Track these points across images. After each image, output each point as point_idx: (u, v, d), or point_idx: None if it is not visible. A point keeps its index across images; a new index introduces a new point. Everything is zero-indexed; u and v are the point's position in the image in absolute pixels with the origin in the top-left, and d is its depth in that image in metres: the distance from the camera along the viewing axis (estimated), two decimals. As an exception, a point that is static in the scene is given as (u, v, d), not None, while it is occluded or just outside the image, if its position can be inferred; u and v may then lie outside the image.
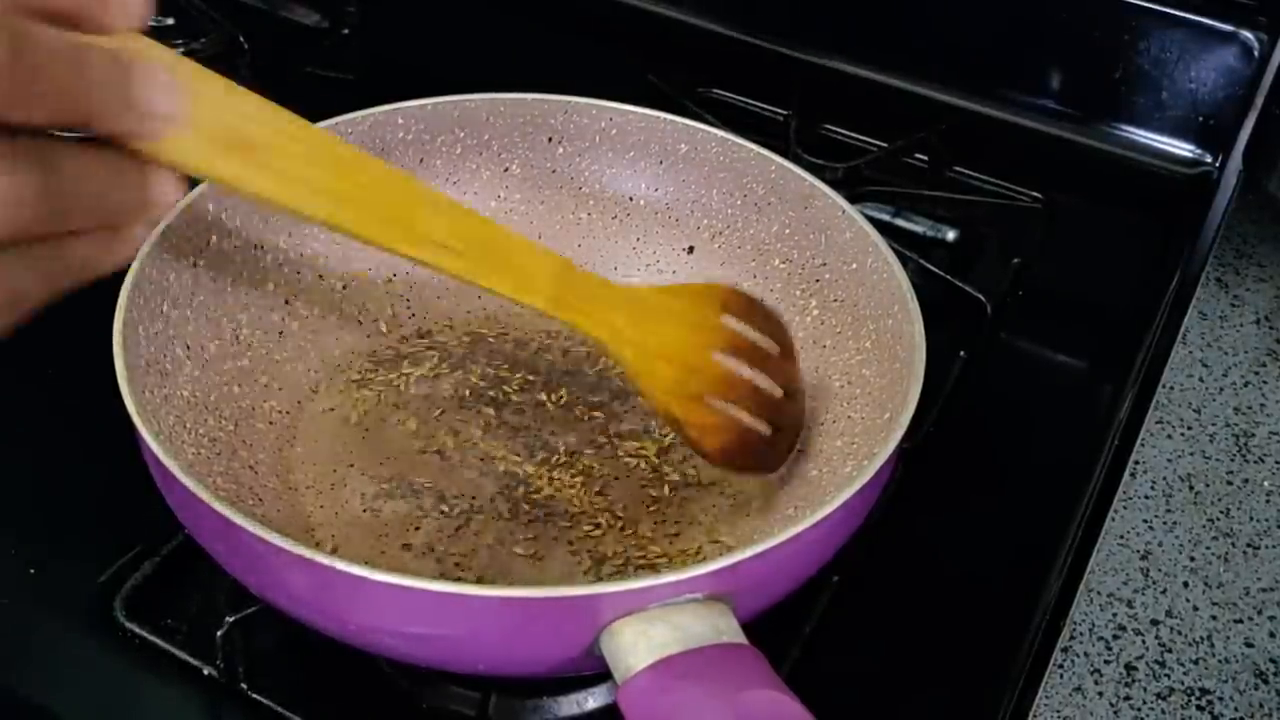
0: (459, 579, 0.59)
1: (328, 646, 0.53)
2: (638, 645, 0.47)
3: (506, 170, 0.75)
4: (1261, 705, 1.44)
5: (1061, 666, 1.45)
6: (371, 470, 0.64)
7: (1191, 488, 1.68)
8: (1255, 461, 1.73)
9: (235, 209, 0.66)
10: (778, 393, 0.62)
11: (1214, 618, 1.52)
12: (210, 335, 0.64)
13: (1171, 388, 1.83)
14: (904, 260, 0.65)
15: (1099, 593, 1.54)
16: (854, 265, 0.67)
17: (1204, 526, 1.63)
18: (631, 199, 0.75)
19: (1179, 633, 1.50)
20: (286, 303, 0.69)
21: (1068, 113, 0.95)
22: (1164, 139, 0.93)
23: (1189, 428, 1.76)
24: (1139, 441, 0.72)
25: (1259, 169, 0.93)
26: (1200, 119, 0.92)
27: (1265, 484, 1.70)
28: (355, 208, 0.49)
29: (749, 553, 0.49)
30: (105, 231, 0.38)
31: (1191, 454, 1.72)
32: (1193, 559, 1.59)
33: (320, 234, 0.71)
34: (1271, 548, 1.61)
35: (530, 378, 0.70)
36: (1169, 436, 1.75)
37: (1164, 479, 1.69)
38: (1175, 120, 0.92)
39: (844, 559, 0.57)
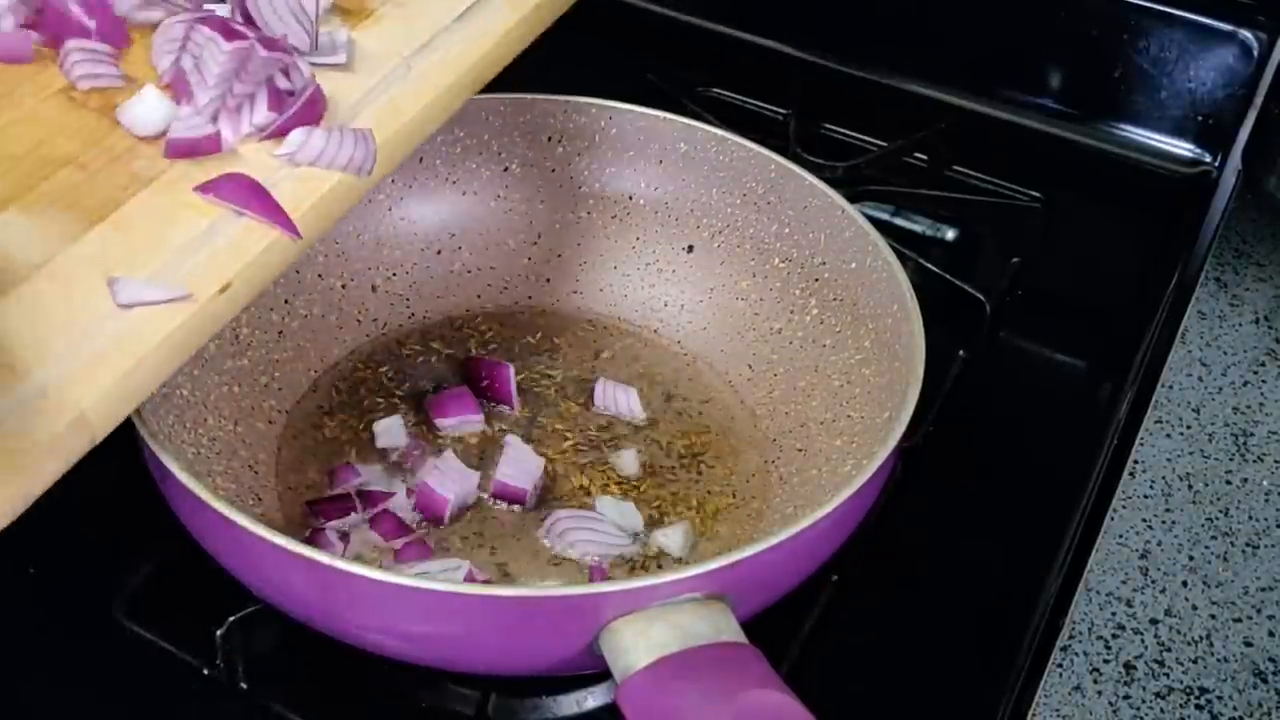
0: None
1: (328, 646, 0.53)
2: (637, 644, 0.47)
3: (506, 170, 0.75)
4: (1260, 704, 1.44)
5: (1061, 665, 1.45)
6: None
7: (1190, 487, 1.68)
8: (1254, 461, 1.73)
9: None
10: None
11: (1213, 617, 1.52)
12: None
13: (1170, 387, 1.83)
14: (903, 259, 0.66)
15: (1098, 592, 1.54)
16: (853, 264, 0.67)
17: (1203, 526, 1.63)
18: (631, 198, 0.75)
19: (1178, 632, 1.50)
20: (286, 302, 0.69)
21: (1067, 112, 0.95)
22: (1163, 138, 0.93)
23: (1188, 427, 1.77)
24: (1138, 441, 0.72)
25: (1258, 168, 0.93)
26: (1200, 118, 0.92)
27: (1264, 483, 1.70)
28: None
29: (748, 552, 0.49)
30: None
31: (1190, 453, 1.73)
32: (1192, 558, 1.59)
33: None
34: (1270, 547, 1.61)
35: (529, 375, 0.70)
36: (1168, 436, 1.75)
37: (1163, 478, 1.69)
38: (1174, 120, 0.92)
39: (843, 558, 0.57)
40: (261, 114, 0.54)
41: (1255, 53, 0.89)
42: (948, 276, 0.78)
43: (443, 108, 0.59)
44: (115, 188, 0.51)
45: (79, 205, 0.50)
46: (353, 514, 0.61)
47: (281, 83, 0.55)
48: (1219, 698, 1.44)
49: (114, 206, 0.50)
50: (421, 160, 0.73)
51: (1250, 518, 1.66)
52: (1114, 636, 1.50)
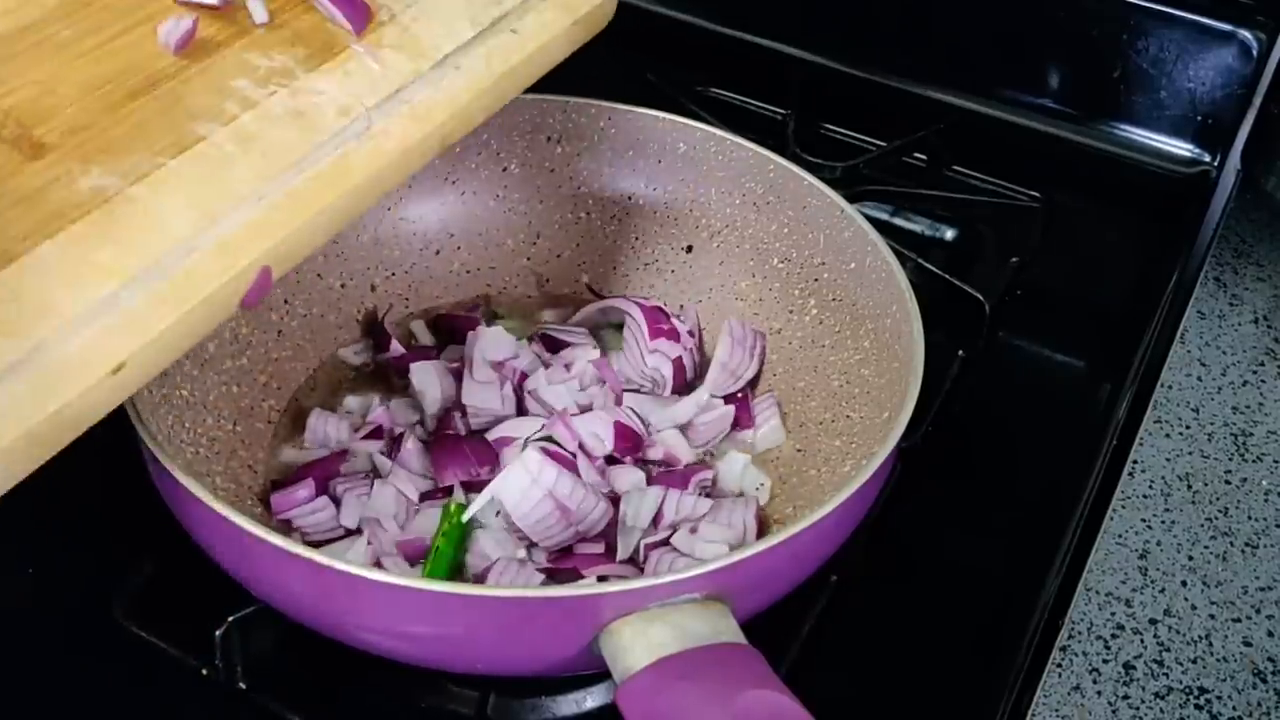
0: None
1: (327, 646, 0.53)
2: (636, 645, 0.47)
3: (505, 170, 0.75)
4: (1259, 704, 1.44)
5: (1060, 666, 1.45)
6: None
7: (1190, 487, 1.68)
8: (1253, 461, 1.73)
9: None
10: None
11: (1212, 617, 1.52)
12: (209, 334, 0.64)
13: (1170, 387, 1.83)
14: (903, 259, 0.66)
15: (1097, 592, 1.54)
16: (853, 264, 0.67)
17: (1202, 525, 1.63)
18: (630, 198, 0.75)
19: (1177, 632, 1.50)
20: (286, 302, 0.69)
21: (1066, 112, 0.95)
22: (1163, 138, 0.93)
23: (1187, 427, 1.77)
24: (1137, 440, 0.72)
25: (1257, 168, 0.93)
26: (1199, 118, 0.92)
27: (1263, 483, 1.70)
28: None
29: (747, 552, 0.49)
30: None
31: (1190, 453, 1.72)
32: (1191, 558, 1.59)
33: (319, 233, 0.71)
34: (1270, 547, 1.61)
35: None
36: (1167, 435, 1.75)
37: (1162, 478, 1.69)
38: (1174, 120, 0.92)
39: (842, 558, 0.57)
40: None
41: (1255, 53, 0.89)
42: (947, 276, 0.78)
43: (400, 168, 0.55)
44: (12, 238, 0.43)
45: None
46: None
47: None
48: (1218, 698, 1.44)
49: (8, 261, 0.42)
50: (421, 160, 0.73)
51: (1249, 518, 1.66)
52: (1113, 636, 1.50)
